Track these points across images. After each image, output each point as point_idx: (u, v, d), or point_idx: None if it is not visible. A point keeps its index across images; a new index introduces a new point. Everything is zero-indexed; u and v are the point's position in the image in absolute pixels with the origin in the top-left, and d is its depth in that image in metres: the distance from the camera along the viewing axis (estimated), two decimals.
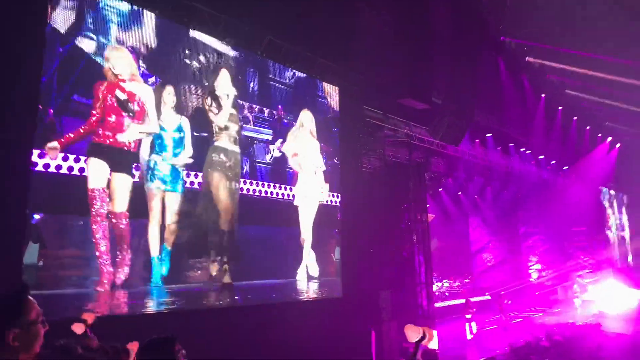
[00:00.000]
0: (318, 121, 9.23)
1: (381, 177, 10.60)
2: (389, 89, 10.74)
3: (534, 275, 15.96)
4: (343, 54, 9.62)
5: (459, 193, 14.91)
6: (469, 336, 11.22)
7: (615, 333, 12.95)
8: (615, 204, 19.71)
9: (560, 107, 16.21)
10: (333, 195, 9.28)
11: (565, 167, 17.18)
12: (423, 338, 2.89)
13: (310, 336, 7.46)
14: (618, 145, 18.36)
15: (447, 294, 12.79)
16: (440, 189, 14.41)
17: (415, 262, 10.94)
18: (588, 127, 17.43)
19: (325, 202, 9.03)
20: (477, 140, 14.24)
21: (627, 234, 19.81)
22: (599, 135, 17.99)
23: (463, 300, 11.48)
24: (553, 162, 16.74)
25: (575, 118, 16.79)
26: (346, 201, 9.38)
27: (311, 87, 9.52)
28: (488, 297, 13.21)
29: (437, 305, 11.75)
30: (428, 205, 12.86)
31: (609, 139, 18.17)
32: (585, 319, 13.82)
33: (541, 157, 16.29)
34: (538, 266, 16.09)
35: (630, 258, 19.19)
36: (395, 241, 10.54)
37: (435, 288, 12.31)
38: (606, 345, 11.44)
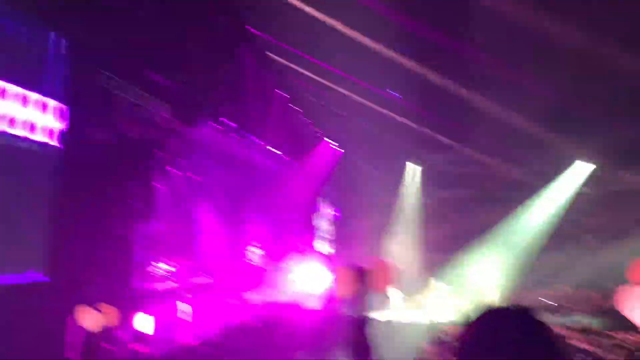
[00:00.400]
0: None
1: (111, 152, 9.76)
2: (133, 57, 10.00)
3: (254, 259, 17.10)
4: (87, 10, 8.47)
5: (193, 175, 14.87)
6: (184, 318, 11.33)
7: (310, 309, 14.88)
8: (326, 199, 22.57)
9: (297, 108, 17.73)
10: None
11: (292, 162, 18.88)
12: (106, 322, 2.67)
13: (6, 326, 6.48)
14: (336, 146, 21.09)
15: (168, 275, 12.61)
16: (174, 170, 14.12)
17: (134, 243, 10.50)
18: (314, 128, 19.50)
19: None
20: (216, 125, 14.41)
21: (330, 225, 22.85)
22: (325, 138, 20.34)
23: (182, 282, 11.52)
24: (280, 154, 18.18)
25: (308, 120, 18.59)
26: (66, 177, 8.34)
27: (37, 39, 8.10)
28: (209, 280, 13.55)
29: (155, 287, 11.48)
30: (160, 187, 12.47)
31: (332, 143, 20.72)
32: (288, 297, 15.52)
33: (273, 149, 17.50)
34: (258, 250, 17.29)
35: (328, 246, 22.21)
36: (117, 221, 9.89)
37: (155, 269, 12.02)
38: (304, 319, 13.04)
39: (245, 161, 16.20)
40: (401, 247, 21.40)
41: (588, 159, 20.28)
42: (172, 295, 11.98)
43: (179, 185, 14.92)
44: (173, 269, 13.60)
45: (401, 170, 23.17)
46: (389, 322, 15.70)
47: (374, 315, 16.50)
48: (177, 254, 14.55)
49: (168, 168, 14.14)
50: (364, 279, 1.44)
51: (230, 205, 15.99)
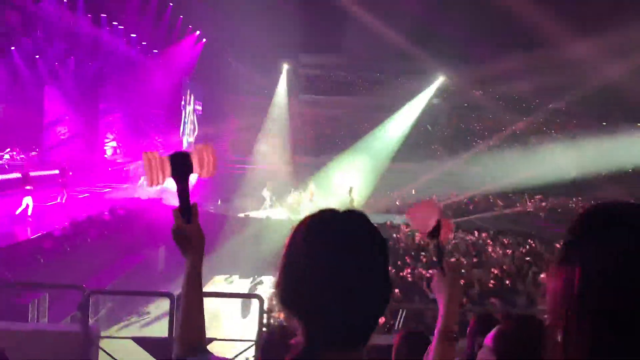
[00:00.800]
0: None
1: None
2: None
3: (109, 152, 16.14)
4: None
5: (36, 56, 13.19)
6: (26, 212, 10.56)
7: (173, 205, 14.73)
8: (190, 94, 21.48)
9: None
10: None
11: (155, 51, 17.49)
12: None
13: None
14: (204, 39, 19.86)
15: (6, 166, 11.46)
16: (12, 48, 12.37)
17: None
18: (181, 17, 18.02)
19: None
20: (64, 0, 12.67)
21: (195, 121, 22.05)
22: (190, 26, 18.90)
23: (23, 174, 10.55)
24: (144, 42, 16.73)
25: (171, 4, 17.03)
26: None
27: None
28: (56, 172, 12.59)
29: None
30: None
31: (197, 32, 19.39)
32: (149, 194, 15.13)
33: (133, 35, 15.99)
34: (114, 143, 16.30)
35: (192, 142, 21.59)
36: None
37: None
38: (164, 214, 12.84)
39: (100, 45, 14.64)
40: (272, 148, 21.56)
41: (444, 74, 21.81)
42: (11, 187, 11.01)
43: (21, 67, 13.20)
44: (15, 159, 12.43)
45: (275, 71, 22.81)
46: (260, 219, 16.10)
47: (248, 213, 16.78)
48: (19, 143, 13.20)
49: (9, 47, 12.38)
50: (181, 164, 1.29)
51: (82, 93, 14.62)
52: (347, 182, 18.67)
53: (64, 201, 11.90)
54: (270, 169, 20.13)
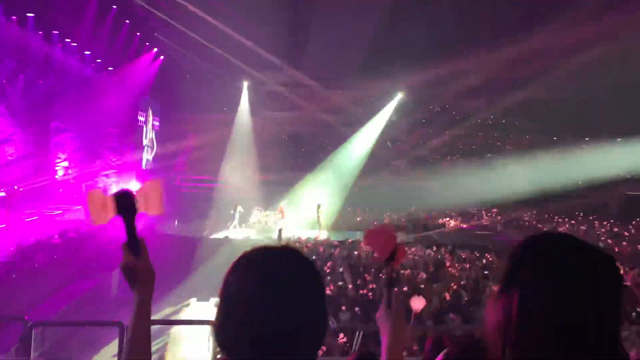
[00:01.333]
0: None
1: None
2: None
3: (60, 173, 15.56)
4: None
5: None
6: None
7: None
8: (150, 111, 21.08)
9: (114, 7, 15.78)
10: None
11: (110, 69, 17.12)
12: None
13: None
14: (162, 57, 19.61)
15: None
16: None
17: None
18: (138, 34, 17.78)
19: None
20: (13, 17, 12.29)
21: (153, 139, 21.58)
22: (147, 44, 18.66)
23: None
24: (98, 60, 16.38)
25: (127, 21, 16.76)
26: None
27: None
28: (2, 194, 12.04)
29: None
30: None
31: (155, 49, 19.14)
32: None
33: (87, 52, 15.63)
34: (65, 163, 15.72)
35: (149, 161, 21.16)
36: None
37: None
38: (119, 236, 12.48)
39: (52, 63, 14.17)
40: (235, 166, 21.30)
41: (403, 90, 22.29)
42: None
43: None
44: None
45: (236, 89, 22.71)
46: (227, 239, 15.79)
47: (205, 234, 16.38)
48: None
49: None
50: (124, 203, 1.27)
51: (32, 112, 14.07)
52: (315, 200, 18.65)
53: (5, 225, 11.34)
54: (233, 187, 19.88)
